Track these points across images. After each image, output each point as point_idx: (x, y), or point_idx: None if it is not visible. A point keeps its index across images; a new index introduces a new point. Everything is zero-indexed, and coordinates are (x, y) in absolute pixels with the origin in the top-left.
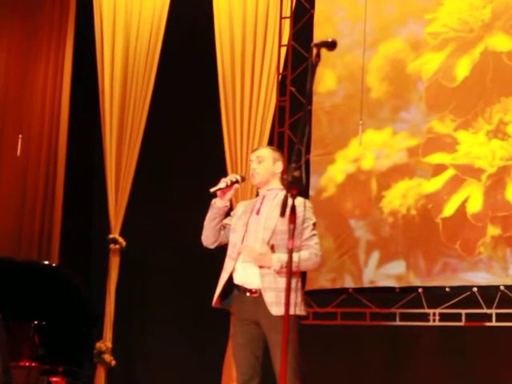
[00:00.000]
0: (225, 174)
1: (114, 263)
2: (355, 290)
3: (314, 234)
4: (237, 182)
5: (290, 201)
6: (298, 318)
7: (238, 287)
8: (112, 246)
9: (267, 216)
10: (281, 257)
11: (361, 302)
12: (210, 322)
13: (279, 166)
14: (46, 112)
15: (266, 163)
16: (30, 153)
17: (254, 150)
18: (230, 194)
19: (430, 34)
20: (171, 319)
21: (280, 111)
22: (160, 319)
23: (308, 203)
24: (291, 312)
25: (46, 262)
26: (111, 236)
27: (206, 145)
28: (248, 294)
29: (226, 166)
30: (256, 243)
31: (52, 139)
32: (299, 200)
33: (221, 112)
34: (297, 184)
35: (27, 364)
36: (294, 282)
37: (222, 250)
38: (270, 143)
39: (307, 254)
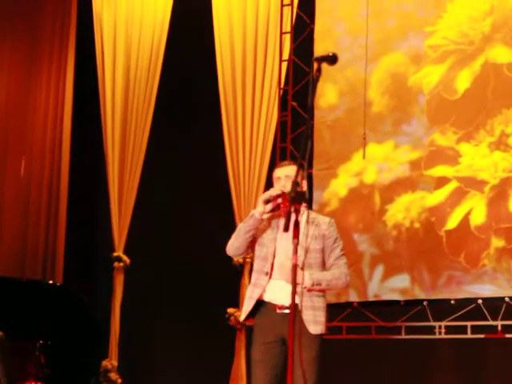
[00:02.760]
0: (227, 190)
1: (119, 281)
2: (360, 303)
3: (343, 254)
4: (279, 196)
5: (293, 216)
6: (322, 336)
7: (265, 303)
8: (116, 263)
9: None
10: (313, 274)
11: (366, 316)
12: (216, 337)
13: (305, 185)
14: (48, 131)
15: None
16: (33, 173)
17: (280, 166)
18: (269, 207)
19: (431, 46)
20: (177, 336)
21: (282, 126)
22: (165, 336)
23: (333, 221)
24: (320, 331)
25: (51, 282)
26: (115, 254)
27: (209, 161)
28: (278, 311)
29: (228, 181)
30: (287, 260)
31: (55, 159)
32: (326, 219)
33: (223, 128)
34: (300, 199)
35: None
36: (321, 301)
37: (226, 267)
38: (273, 158)
39: (338, 273)
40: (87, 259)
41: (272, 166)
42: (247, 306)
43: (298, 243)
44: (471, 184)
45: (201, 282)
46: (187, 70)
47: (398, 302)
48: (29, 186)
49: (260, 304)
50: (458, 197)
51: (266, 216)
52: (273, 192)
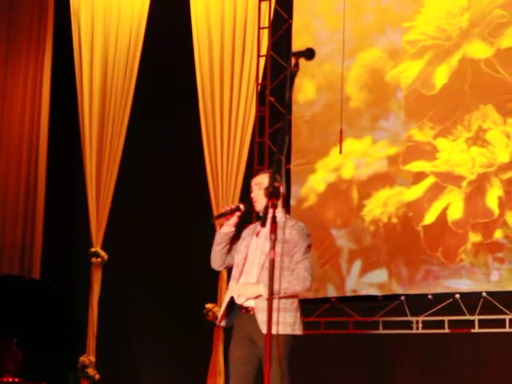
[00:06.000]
0: (205, 186)
1: (96, 277)
2: (338, 299)
3: (306, 258)
4: (238, 209)
5: (270, 211)
6: (292, 337)
7: (239, 306)
8: (94, 259)
9: (264, 239)
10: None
11: (344, 311)
12: (195, 334)
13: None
14: (25, 128)
15: None
16: (10, 170)
17: (254, 175)
18: (233, 221)
19: (408, 42)
20: (155, 331)
21: (260, 121)
22: (144, 332)
23: (301, 225)
24: (285, 332)
25: (29, 277)
26: (93, 249)
27: (187, 156)
28: (244, 312)
29: (206, 177)
30: (253, 266)
31: (32, 155)
32: (292, 222)
33: (200, 123)
34: (277, 194)
35: (10, 380)
36: (289, 302)
37: (204, 262)
38: (251, 153)
39: (295, 279)
40: (65, 255)
41: (250, 161)
42: (221, 311)
43: (275, 238)
44: (448, 179)
45: (179, 278)
46: (165, 65)
47: (375, 297)
48: (6, 182)
49: (237, 307)
50: (435, 192)
51: (228, 230)
52: (227, 207)
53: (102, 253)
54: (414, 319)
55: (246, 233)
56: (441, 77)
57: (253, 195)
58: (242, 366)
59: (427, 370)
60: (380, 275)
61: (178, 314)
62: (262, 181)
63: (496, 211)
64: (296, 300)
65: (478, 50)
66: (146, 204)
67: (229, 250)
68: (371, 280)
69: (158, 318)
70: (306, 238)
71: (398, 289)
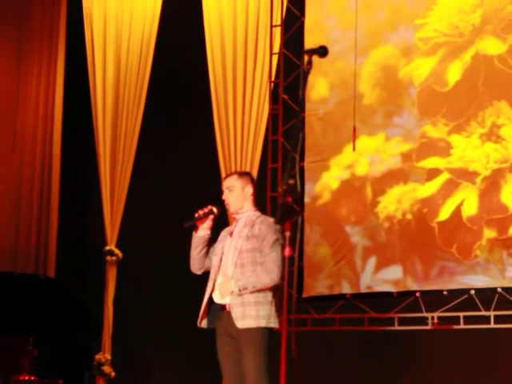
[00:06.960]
0: (219, 184)
1: (111, 275)
2: (353, 295)
3: (273, 251)
4: (211, 212)
5: (285, 208)
6: (268, 330)
7: (218, 306)
8: (108, 257)
9: (236, 237)
10: (239, 281)
11: (359, 308)
12: (209, 332)
13: (249, 190)
14: (39, 127)
15: (235, 192)
16: (24, 168)
17: (224, 179)
18: (207, 224)
19: (421, 39)
20: (170, 330)
21: (273, 119)
22: (158, 330)
23: (270, 220)
24: (258, 325)
25: (45, 276)
26: (107, 248)
27: (200, 154)
28: (222, 310)
29: (220, 176)
30: (228, 264)
31: (46, 154)
32: (261, 218)
33: (214, 122)
34: (292, 191)
35: (27, 378)
36: (261, 296)
37: None
38: (264, 151)
39: (262, 273)
40: (79, 253)
41: (264, 159)
42: (200, 312)
43: (290, 235)
44: (463, 175)
45: (194, 276)
46: (178, 65)
47: (390, 293)
48: (20, 181)
49: (214, 307)
50: (449, 188)
51: (204, 233)
52: (201, 211)
53: (117, 251)
54: (429, 315)
55: (222, 235)
56: (454, 73)
57: (224, 198)
58: (233, 364)
59: (443, 366)
60: (395, 272)
61: (193, 313)
62: (232, 184)
63: (511, 207)
64: (270, 293)
65: (491, 46)
66: (160, 202)
67: (206, 253)
68: (386, 276)
69: (172, 315)
70: (275, 231)
71: (412, 285)
